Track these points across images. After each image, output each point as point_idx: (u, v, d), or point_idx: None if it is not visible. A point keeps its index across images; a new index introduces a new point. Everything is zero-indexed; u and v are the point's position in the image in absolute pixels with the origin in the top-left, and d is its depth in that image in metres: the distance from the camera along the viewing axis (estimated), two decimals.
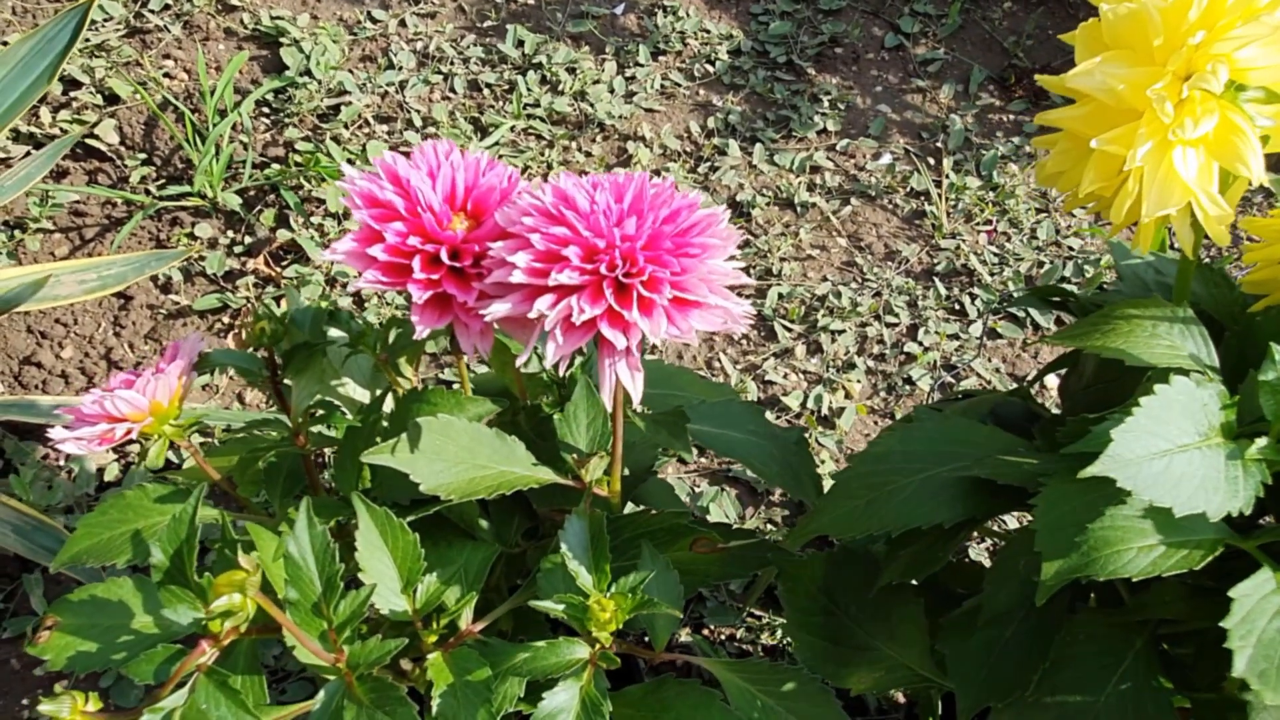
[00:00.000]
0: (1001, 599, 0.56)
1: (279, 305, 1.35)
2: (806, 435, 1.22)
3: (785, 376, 1.33)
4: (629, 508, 0.74)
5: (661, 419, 0.65)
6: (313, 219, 1.40)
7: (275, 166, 1.48)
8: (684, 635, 1.10)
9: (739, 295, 0.52)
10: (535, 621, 0.68)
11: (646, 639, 0.64)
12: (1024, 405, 0.71)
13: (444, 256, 0.51)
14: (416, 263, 0.50)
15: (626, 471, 0.67)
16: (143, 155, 1.49)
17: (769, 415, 1.27)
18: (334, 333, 0.70)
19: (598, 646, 0.55)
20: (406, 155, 0.54)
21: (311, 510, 0.55)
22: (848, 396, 1.31)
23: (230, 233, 1.43)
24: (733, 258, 0.55)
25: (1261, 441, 0.44)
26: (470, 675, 0.57)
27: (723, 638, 1.11)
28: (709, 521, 1.15)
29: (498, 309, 0.49)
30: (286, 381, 0.65)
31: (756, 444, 0.72)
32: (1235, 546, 0.45)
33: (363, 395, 0.73)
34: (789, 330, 1.37)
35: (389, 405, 0.69)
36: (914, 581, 0.65)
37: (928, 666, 0.63)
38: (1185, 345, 0.50)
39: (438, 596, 0.60)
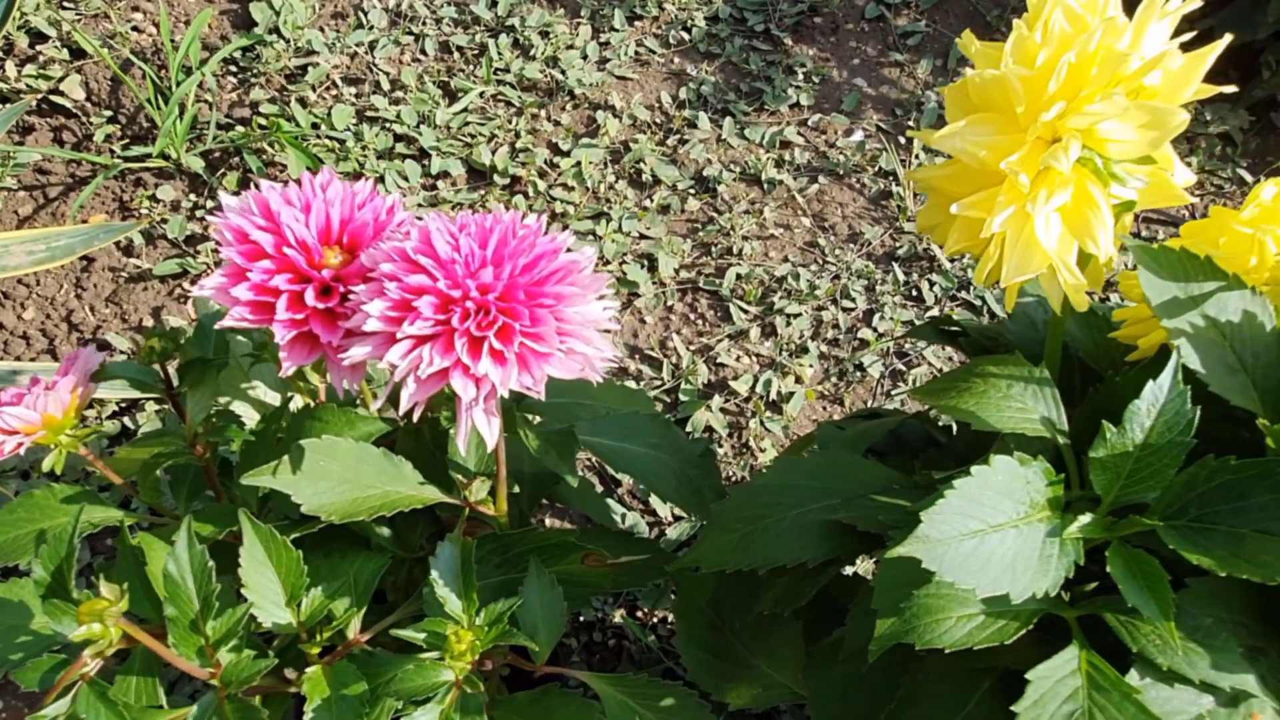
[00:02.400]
0: (861, 635, 0.57)
1: None
2: (715, 446, 1.23)
3: (737, 359, 1.33)
4: (578, 517, 0.75)
5: (552, 439, 0.66)
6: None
7: (240, 129, 1.47)
8: (604, 632, 1.12)
9: (608, 337, 0.53)
10: None
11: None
12: (924, 429, 0.71)
13: (309, 297, 0.51)
14: (281, 303, 0.51)
15: (516, 488, 0.68)
16: (108, 113, 1.49)
17: (717, 399, 1.29)
18: (242, 338, 0.71)
19: (463, 670, 0.57)
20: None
21: (191, 529, 0.57)
22: (798, 381, 1.31)
23: (193, 196, 1.43)
24: (604, 296, 0.55)
25: (1085, 518, 0.45)
26: (346, 689, 0.59)
27: (628, 645, 1.13)
28: (624, 527, 1.16)
29: (355, 353, 0.49)
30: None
31: (656, 458, 0.73)
32: (1058, 615, 0.46)
33: (274, 399, 0.74)
34: (745, 312, 1.37)
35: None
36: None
37: (803, 687, 0.65)
38: (1037, 408, 0.50)
39: (322, 609, 0.61)
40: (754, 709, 0.74)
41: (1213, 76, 0.49)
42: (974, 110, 0.49)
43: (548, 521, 1.18)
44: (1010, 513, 0.44)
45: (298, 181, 0.55)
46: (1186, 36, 0.54)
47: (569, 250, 0.54)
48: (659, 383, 1.31)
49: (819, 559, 0.57)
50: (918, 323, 1.37)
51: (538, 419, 0.79)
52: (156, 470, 0.64)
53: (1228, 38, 0.51)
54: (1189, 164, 1.55)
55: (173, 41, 1.50)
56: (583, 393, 0.80)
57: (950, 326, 0.67)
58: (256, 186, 0.58)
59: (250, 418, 0.72)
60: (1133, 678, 0.43)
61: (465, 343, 0.48)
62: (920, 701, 0.54)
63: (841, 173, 1.51)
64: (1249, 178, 1.54)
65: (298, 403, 0.71)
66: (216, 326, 0.52)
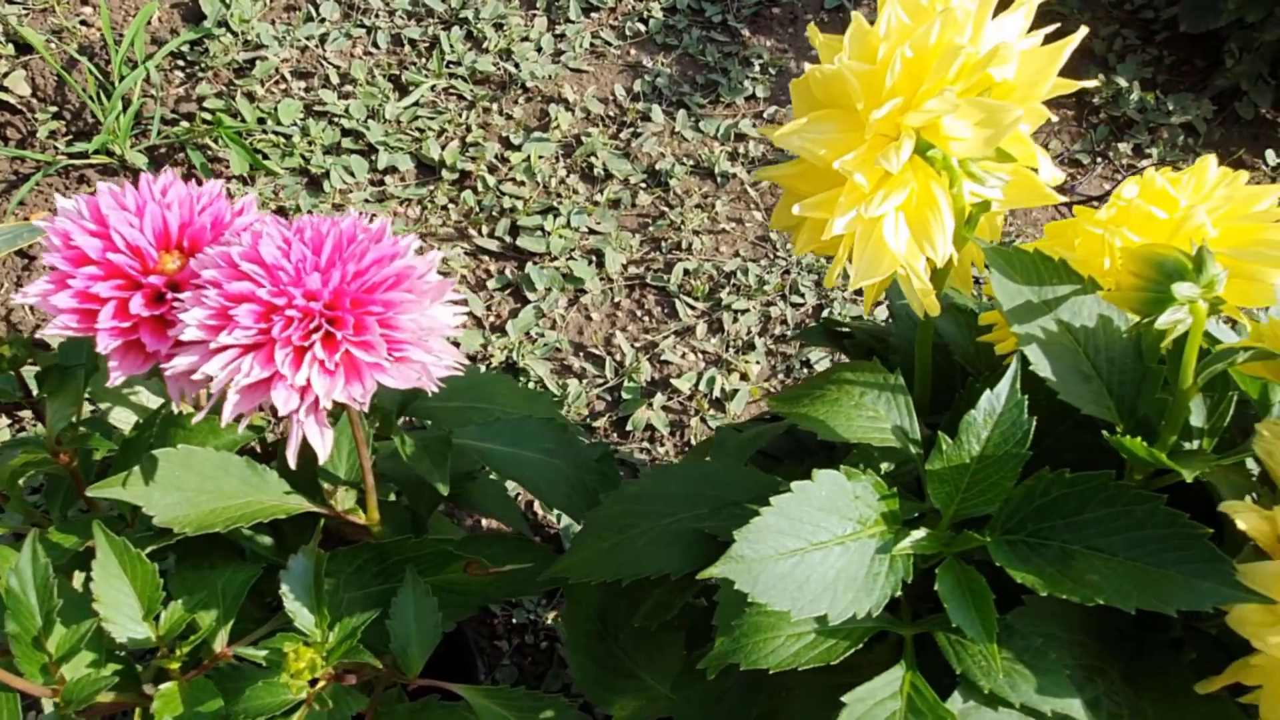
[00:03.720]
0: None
1: None
2: (614, 450, 1.21)
3: (683, 356, 1.31)
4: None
5: (428, 444, 0.64)
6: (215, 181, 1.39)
7: (185, 124, 1.46)
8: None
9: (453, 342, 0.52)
10: None
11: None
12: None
13: (135, 305, 0.50)
14: (105, 311, 0.49)
15: (398, 496, 0.67)
16: (54, 109, 1.48)
17: (659, 398, 1.27)
18: None
19: (319, 684, 0.56)
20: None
21: (36, 542, 0.55)
22: (743, 378, 1.29)
23: None
24: (461, 301, 0.54)
25: (919, 534, 0.43)
26: (201, 706, 0.57)
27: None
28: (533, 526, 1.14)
29: (179, 363, 0.48)
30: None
31: (548, 464, 0.71)
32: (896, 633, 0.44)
33: (155, 403, 0.72)
34: (692, 308, 1.35)
35: None
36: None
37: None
38: (890, 417, 0.48)
39: (182, 623, 0.60)
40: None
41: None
42: (818, 107, 0.47)
43: (487, 525, 1.16)
44: (836, 529, 0.42)
45: (134, 183, 0.53)
46: (1050, 28, 0.52)
47: (417, 255, 0.52)
48: (602, 381, 1.29)
49: (683, 571, 0.55)
50: (867, 320, 1.35)
51: (429, 422, 0.77)
52: (19, 479, 0.63)
53: (1083, 30, 0.49)
54: (1149, 155, 1.53)
55: (118, 35, 1.48)
56: (481, 395, 0.78)
57: (841, 328, 0.65)
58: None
59: (130, 424, 0.70)
60: (956, 700, 0.41)
61: (289, 353, 0.47)
62: (782, 717, 0.53)
63: None
64: None
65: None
66: (39, 335, 0.50)
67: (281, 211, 1.39)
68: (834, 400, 0.49)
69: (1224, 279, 0.42)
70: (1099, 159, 1.53)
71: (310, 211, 1.40)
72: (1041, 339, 0.46)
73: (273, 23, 1.58)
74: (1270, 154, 1.52)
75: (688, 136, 1.52)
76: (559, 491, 0.71)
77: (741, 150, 1.50)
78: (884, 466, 0.49)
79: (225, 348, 0.46)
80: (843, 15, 1.66)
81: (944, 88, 0.43)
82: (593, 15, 1.64)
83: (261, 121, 1.46)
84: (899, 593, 0.41)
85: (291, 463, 0.49)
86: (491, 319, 1.34)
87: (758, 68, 1.58)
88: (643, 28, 1.63)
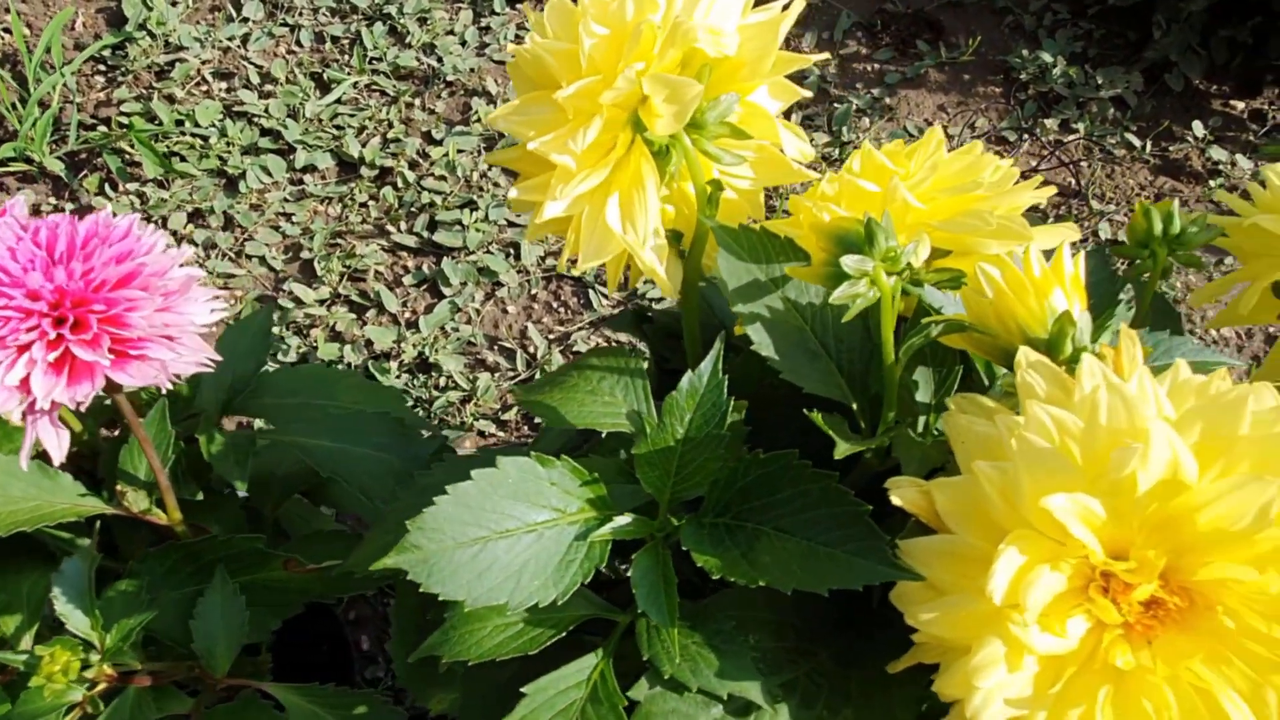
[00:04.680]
0: None
1: None
2: (524, 442, 1.20)
3: (595, 346, 1.31)
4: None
5: (232, 443, 0.64)
6: (131, 185, 1.39)
7: (103, 129, 1.46)
8: None
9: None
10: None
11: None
12: None
13: None
14: None
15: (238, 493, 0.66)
16: None
17: None
18: None
19: (98, 687, 0.56)
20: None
21: None
22: None
23: (53, 199, 1.42)
24: (217, 297, 0.53)
25: (624, 519, 0.42)
26: None
27: None
28: None
29: None
30: None
31: (375, 459, 0.71)
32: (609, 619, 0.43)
33: None
34: (607, 298, 1.35)
35: None
36: None
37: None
38: (627, 402, 0.48)
39: None
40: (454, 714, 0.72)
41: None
42: (533, 87, 0.46)
43: None
44: (528, 517, 0.41)
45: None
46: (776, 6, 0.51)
47: (163, 253, 0.52)
48: (514, 373, 1.29)
49: None
50: None
51: (258, 422, 0.77)
52: None
53: (800, 2, 0.48)
54: (1076, 130, 1.51)
55: (37, 41, 1.48)
56: (321, 392, 0.77)
57: (647, 312, 0.65)
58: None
59: None
60: (644, 687, 0.41)
61: (10, 354, 0.46)
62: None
63: None
64: (1137, 142, 1.49)
65: None
66: None
67: (198, 214, 1.39)
68: (571, 387, 0.48)
69: (918, 250, 0.41)
70: (1025, 135, 1.51)
71: (225, 213, 1.41)
72: (767, 317, 0.46)
73: (197, 24, 1.58)
74: (1197, 125, 1.50)
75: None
76: (384, 487, 0.70)
77: None
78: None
79: None
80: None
81: (630, 65, 0.42)
82: (518, 6, 1.63)
83: (180, 124, 1.46)
84: (588, 578, 0.41)
85: (23, 464, 0.48)
86: (407, 315, 1.34)
87: None
88: None
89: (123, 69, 1.52)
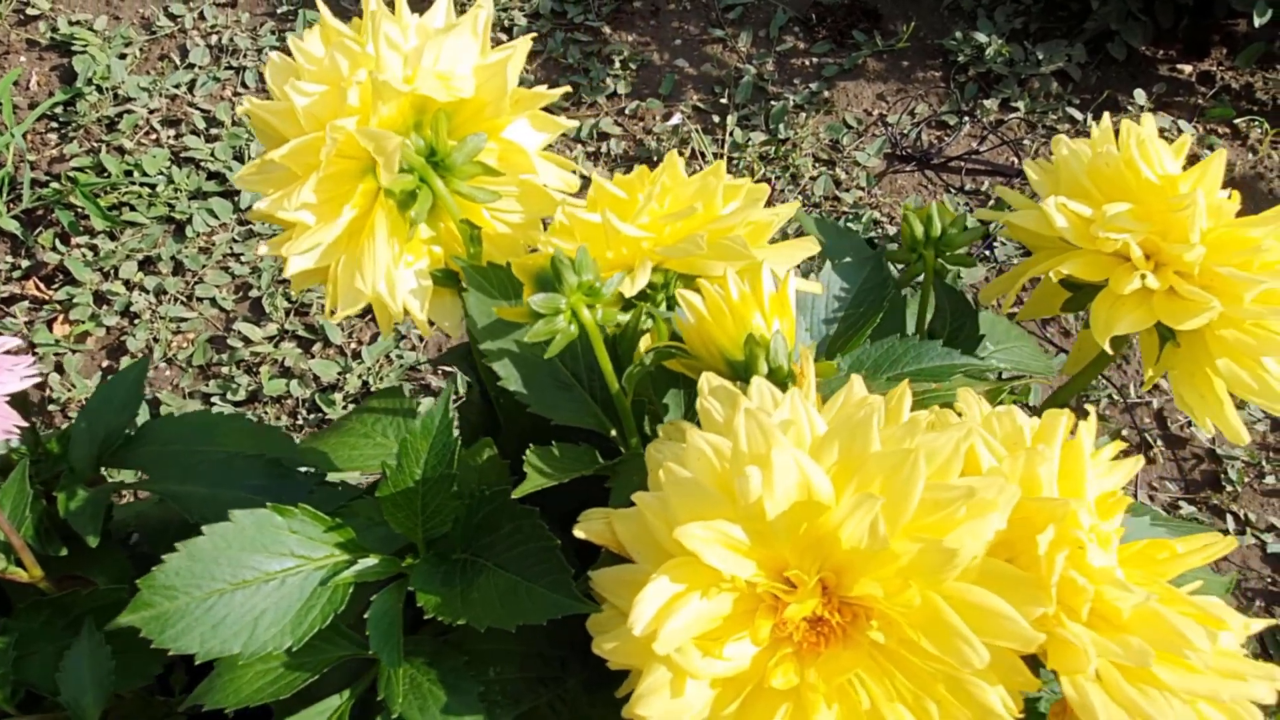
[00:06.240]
0: None
1: (49, 329, 1.39)
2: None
3: None
4: None
5: (91, 498, 0.66)
6: (83, 239, 1.42)
7: (54, 185, 1.50)
8: None
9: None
10: None
11: None
12: None
13: None
14: None
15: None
16: None
17: None
18: None
19: None
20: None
21: None
22: None
23: (10, 257, 1.46)
24: (33, 364, 0.55)
25: (369, 561, 0.43)
26: None
27: None
28: None
29: None
30: None
31: (247, 501, 0.72)
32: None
33: None
34: None
35: None
36: None
37: None
38: (398, 444, 0.48)
39: None
40: None
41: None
42: (276, 144, 0.47)
43: None
44: (265, 566, 0.42)
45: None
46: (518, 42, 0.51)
47: None
48: (458, 398, 1.30)
49: None
50: None
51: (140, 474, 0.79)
52: None
53: (528, 40, 0.49)
54: (1016, 109, 1.49)
55: None
56: (204, 438, 0.79)
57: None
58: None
59: None
60: None
61: None
62: None
63: (656, 159, 1.48)
64: (1079, 115, 1.47)
65: None
66: None
67: (148, 261, 1.43)
68: (348, 431, 0.49)
69: (634, 280, 0.42)
70: (966, 118, 1.50)
71: (175, 258, 1.44)
72: (515, 352, 0.46)
73: (148, 73, 1.62)
74: (1139, 93, 1.48)
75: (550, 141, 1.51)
76: None
77: (604, 149, 1.50)
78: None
79: None
80: (704, 2, 1.65)
81: (337, 121, 0.43)
82: None
83: (129, 173, 1.50)
84: (326, 622, 0.42)
85: None
86: (352, 345, 1.36)
87: (618, 64, 1.58)
88: (506, 37, 1.63)
89: (74, 124, 1.56)
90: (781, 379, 0.40)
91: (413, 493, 0.43)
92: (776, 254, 0.45)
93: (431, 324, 0.51)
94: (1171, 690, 0.33)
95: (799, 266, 0.77)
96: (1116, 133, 0.51)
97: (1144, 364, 0.53)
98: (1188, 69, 1.53)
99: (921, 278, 0.52)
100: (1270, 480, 1.19)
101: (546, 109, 0.55)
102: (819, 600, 0.35)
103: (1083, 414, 0.38)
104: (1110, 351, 0.45)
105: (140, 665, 0.68)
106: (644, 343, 0.49)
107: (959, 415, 0.40)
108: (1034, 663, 0.36)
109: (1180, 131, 1.44)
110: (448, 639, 0.43)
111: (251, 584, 0.42)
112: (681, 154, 1.48)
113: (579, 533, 0.37)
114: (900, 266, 0.53)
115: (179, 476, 0.74)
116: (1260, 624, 0.38)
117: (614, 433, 0.47)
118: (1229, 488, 1.19)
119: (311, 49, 0.45)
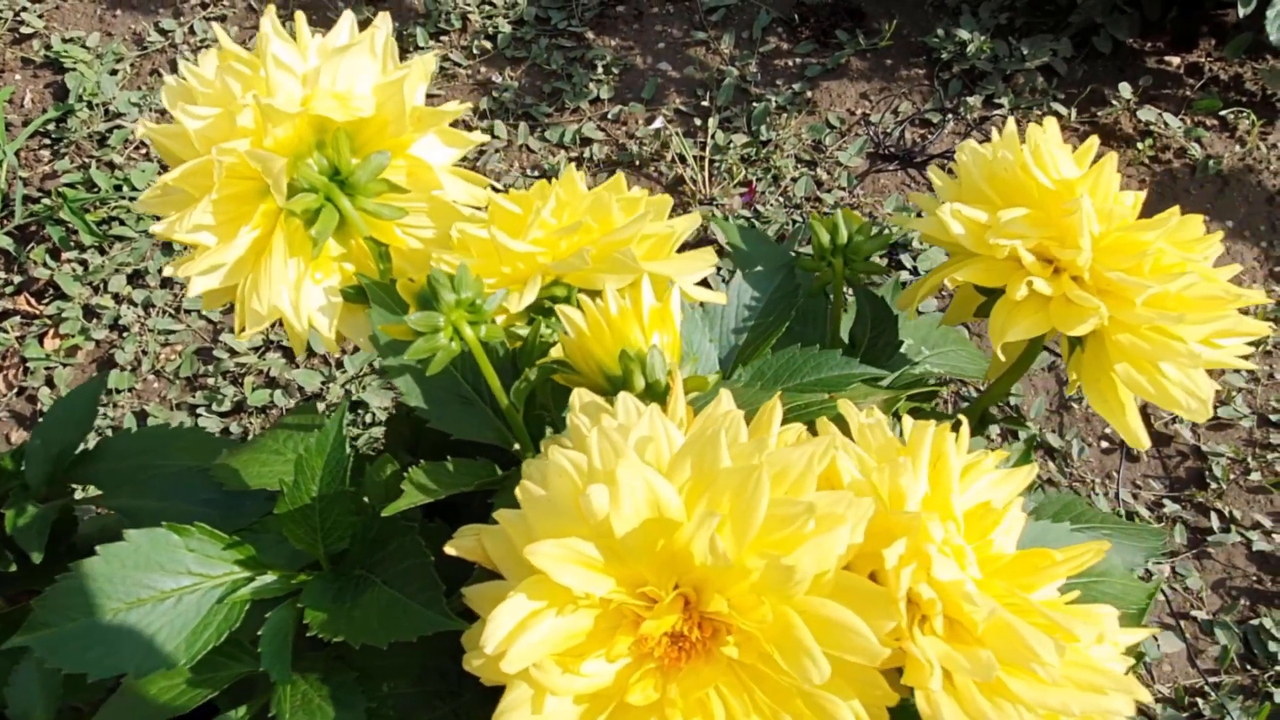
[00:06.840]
0: None
1: (40, 343, 1.41)
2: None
3: None
4: None
5: (39, 515, 0.67)
6: (73, 254, 1.44)
7: (45, 201, 1.52)
8: None
9: None
10: None
11: None
12: None
13: None
14: None
15: None
16: None
17: None
18: None
19: None
20: None
21: None
22: None
23: (3, 273, 1.48)
24: None
25: (267, 578, 0.44)
26: None
27: None
28: None
29: None
30: None
31: (199, 515, 0.73)
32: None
33: None
34: None
35: None
36: None
37: None
38: None
39: None
40: None
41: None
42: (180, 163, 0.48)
43: None
44: (160, 585, 0.43)
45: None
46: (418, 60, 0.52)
47: None
48: None
49: None
50: None
51: (92, 489, 0.80)
52: None
53: (431, 57, 0.49)
54: (1000, 105, 1.48)
55: None
56: (157, 453, 0.80)
57: None
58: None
59: None
60: None
61: None
62: None
63: (639, 163, 1.49)
64: (1065, 110, 1.46)
65: None
66: None
67: (137, 275, 1.44)
68: (261, 448, 0.50)
69: (520, 296, 0.42)
70: (949, 116, 1.49)
71: (161, 271, 1.45)
72: (417, 368, 0.47)
73: (139, 88, 1.64)
74: (1125, 87, 1.47)
75: (534, 147, 1.52)
76: None
77: (588, 154, 1.50)
78: None
79: None
80: (688, 4, 1.65)
81: (222, 145, 0.43)
82: (442, 39, 1.66)
83: (118, 188, 1.52)
84: (220, 639, 0.42)
85: None
86: (336, 355, 1.37)
87: (600, 69, 1.58)
88: (490, 45, 1.64)
89: (65, 140, 1.58)
90: (659, 394, 0.40)
91: (310, 509, 0.44)
92: (674, 266, 0.46)
93: (344, 340, 0.52)
94: (1024, 703, 0.32)
95: (722, 276, 0.77)
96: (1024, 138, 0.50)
97: (1066, 369, 0.53)
98: (1175, 61, 1.52)
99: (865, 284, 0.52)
100: (1255, 477, 1.18)
101: (460, 124, 0.55)
102: (679, 616, 0.35)
103: (957, 425, 0.38)
104: (1004, 358, 0.45)
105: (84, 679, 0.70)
106: (555, 355, 0.49)
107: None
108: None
109: (1167, 125, 1.43)
110: (342, 656, 0.44)
111: (146, 603, 0.42)
112: (663, 157, 1.48)
113: (449, 549, 0.37)
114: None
115: (131, 491, 0.75)
116: (1139, 634, 0.38)
117: (517, 446, 0.47)
118: (1214, 485, 1.18)
119: (204, 72, 0.46)
